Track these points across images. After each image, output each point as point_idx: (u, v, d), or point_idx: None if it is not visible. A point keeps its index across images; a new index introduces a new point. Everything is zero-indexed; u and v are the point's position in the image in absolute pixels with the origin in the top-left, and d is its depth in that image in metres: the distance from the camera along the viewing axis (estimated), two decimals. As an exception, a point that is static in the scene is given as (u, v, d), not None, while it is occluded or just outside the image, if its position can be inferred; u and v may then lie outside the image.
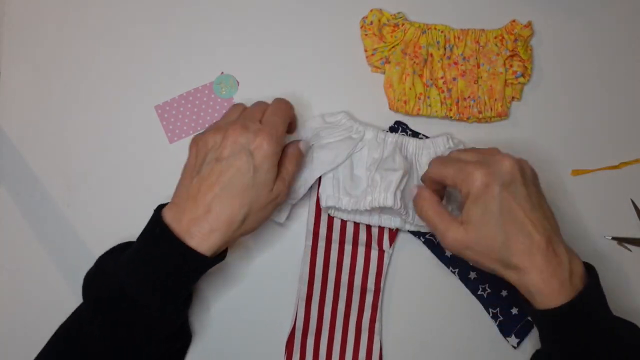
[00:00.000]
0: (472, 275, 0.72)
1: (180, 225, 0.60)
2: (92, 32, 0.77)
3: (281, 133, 0.63)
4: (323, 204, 0.70)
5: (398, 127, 0.74)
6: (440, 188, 0.65)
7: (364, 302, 0.72)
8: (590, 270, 0.60)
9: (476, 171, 0.57)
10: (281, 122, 0.64)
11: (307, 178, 0.70)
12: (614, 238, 0.74)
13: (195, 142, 0.64)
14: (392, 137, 0.71)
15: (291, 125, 0.70)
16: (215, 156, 0.61)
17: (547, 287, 0.56)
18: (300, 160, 0.67)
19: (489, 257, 0.58)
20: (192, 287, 0.65)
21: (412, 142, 0.72)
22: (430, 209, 0.61)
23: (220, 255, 0.63)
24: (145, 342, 0.62)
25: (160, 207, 0.63)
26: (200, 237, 0.60)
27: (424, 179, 0.66)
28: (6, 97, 0.76)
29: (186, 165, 0.65)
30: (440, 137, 0.72)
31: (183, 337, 0.70)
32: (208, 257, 0.60)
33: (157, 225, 0.61)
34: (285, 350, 0.71)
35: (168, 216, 0.61)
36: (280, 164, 0.64)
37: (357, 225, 0.73)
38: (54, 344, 0.64)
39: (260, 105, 0.66)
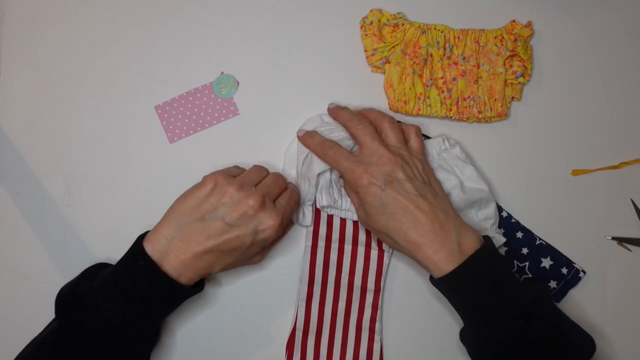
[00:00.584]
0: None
1: (167, 260, 0.62)
2: (92, 32, 0.77)
3: (287, 219, 0.67)
4: (319, 203, 0.70)
5: None
6: None
7: (364, 301, 0.72)
8: (485, 240, 0.65)
9: (361, 171, 0.65)
10: (291, 210, 0.68)
11: (309, 177, 0.70)
12: (614, 238, 0.74)
13: (215, 180, 0.64)
14: None
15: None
16: (226, 214, 0.63)
17: (436, 257, 0.63)
18: (284, 233, 0.73)
19: (383, 237, 0.67)
20: (168, 313, 0.66)
21: None
22: (340, 154, 0.68)
23: (199, 286, 0.65)
24: None
25: (141, 238, 0.64)
26: (184, 274, 0.62)
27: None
28: (6, 97, 0.76)
29: (192, 194, 0.65)
30: (436, 138, 0.72)
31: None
32: (193, 289, 0.64)
33: (140, 258, 0.62)
34: (286, 350, 0.71)
35: (153, 249, 0.62)
36: None
37: (356, 224, 0.73)
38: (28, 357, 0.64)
39: (280, 181, 0.68)
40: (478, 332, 0.63)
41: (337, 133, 0.71)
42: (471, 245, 0.63)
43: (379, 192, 0.64)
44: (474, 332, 0.64)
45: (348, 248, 0.72)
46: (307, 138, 0.70)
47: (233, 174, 0.66)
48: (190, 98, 0.76)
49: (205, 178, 0.65)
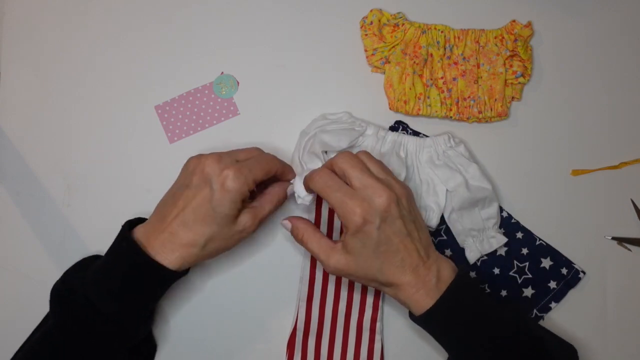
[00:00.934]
0: (472, 275, 0.72)
1: (148, 242, 0.63)
2: (92, 32, 0.77)
3: (253, 176, 0.63)
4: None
5: (398, 127, 0.74)
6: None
7: (365, 302, 0.72)
8: (459, 269, 0.65)
9: (356, 209, 0.60)
10: (258, 168, 0.64)
11: (312, 161, 0.70)
12: (614, 238, 0.74)
13: (186, 162, 0.66)
14: (392, 136, 0.72)
15: (286, 175, 0.69)
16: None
17: (417, 296, 0.62)
18: (281, 202, 0.68)
19: (367, 278, 0.63)
20: (157, 300, 0.67)
21: (412, 140, 0.72)
22: (310, 238, 0.64)
23: (184, 270, 0.65)
24: (113, 354, 0.64)
25: (127, 223, 0.65)
26: (164, 255, 0.62)
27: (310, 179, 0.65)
28: (6, 97, 0.76)
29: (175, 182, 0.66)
30: (441, 136, 0.72)
31: (148, 348, 0.71)
32: (172, 270, 0.62)
33: (124, 240, 0.63)
34: (287, 350, 0.71)
35: (139, 232, 0.64)
36: (259, 199, 0.66)
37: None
38: (22, 356, 0.65)
39: (252, 150, 0.67)
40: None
41: (341, 125, 0.71)
42: (447, 277, 0.62)
43: (375, 231, 0.60)
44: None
45: (348, 248, 0.72)
46: (326, 191, 0.64)
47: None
48: (190, 98, 0.76)
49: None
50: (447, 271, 0.63)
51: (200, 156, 0.64)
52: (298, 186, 0.67)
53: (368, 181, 0.61)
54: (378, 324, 0.72)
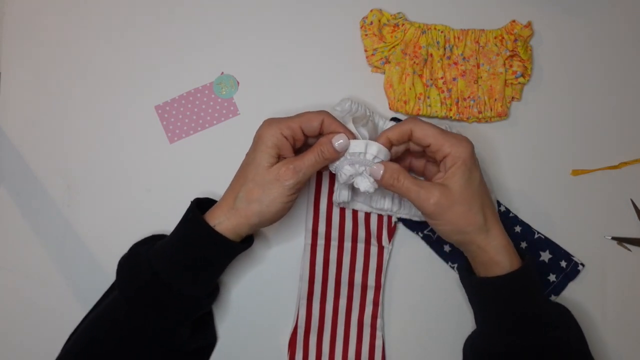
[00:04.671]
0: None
1: (210, 212, 0.65)
2: (92, 32, 0.77)
3: (286, 125, 0.63)
4: (338, 199, 0.69)
5: (396, 122, 0.74)
6: (398, 151, 0.67)
7: (365, 298, 0.72)
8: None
9: (466, 139, 0.63)
10: (293, 118, 0.64)
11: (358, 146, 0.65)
12: (614, 238, 0.74)
13: None
14: (390, 125, 0.72)
15: (334, 128, 0.65)
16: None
17: (510, 249, 0.63)
18: (325, 155, 0.64)
19: (468, 217, 0.62)
20: (218, 275, 0.68)
21: None
22: (407, 179, 0.63)
23: (245, 242, 0.66)
24: (175, 327, 0.64)
25: (195, 199, 0.67)
26: (219, 221, 0.64)
27: (392, 133, 0.64)
28: (6, 97, 0.76)
29: None
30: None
31: (209, 336, 0.71)
32: (227, 239, 0.64)
33: (189, 211, 0.65)
34: (288, 348, 0.71)
35: (214, 208, 0.65)
36: (302, 152, 0.65)
37: (355, 221, 0.73)
38: (88, 328, 0.65)
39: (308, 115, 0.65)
40: (507, 340, 0.62)
41: (360, 116, 0.69)
42: (515, 250, 0.64)
43: (478, 164, 0.63)
44: (501, 339, 0.63)
45: (348, 245, 0.72)
46: (424, 126, 0.64)
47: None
48: (190, 98, 0.76)
49: None
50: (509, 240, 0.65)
51: None
52: (356, 145, 0.63)
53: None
54: (379, 321, 0.72)
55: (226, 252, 0.65)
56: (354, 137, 0.65)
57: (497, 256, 0.63)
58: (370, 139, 0.66)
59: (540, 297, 0.64)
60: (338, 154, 0.64)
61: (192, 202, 0.66)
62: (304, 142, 0.66)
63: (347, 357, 0.71)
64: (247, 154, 0.66)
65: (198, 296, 0.65)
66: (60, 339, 0.67)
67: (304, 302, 0.72)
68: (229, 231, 0.64)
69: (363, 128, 0.67)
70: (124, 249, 0.69)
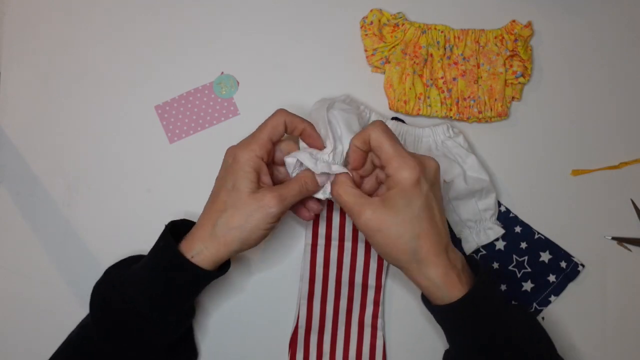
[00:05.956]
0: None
1: (186, 241, 0.63)
2: (92, 32, 0.77)
3: (257, 143, 0.62)
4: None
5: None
6: (362, 157, 0.64)
7: (366, 298, 0.72)
8: (477, 267, 0.63)
9: (412, 164, 0.59)
10: (260, 133, 0.63)
11: (328, 136, 0.66)
12: (614, 238, 0.74)
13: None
14: (391, 125, 0.72)
15: (301, 131, 0.65)
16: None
17: (447, 281, 0.59)
18: (307, 190, 0.64)
19: (397, 245, 0.59)
20: (193, 300, 0.67)
21: (410, 130, 0.72)
22: (346, 190, 0.62)
23: (222, 269, 0.64)
24: (149, 353, 0.64)
25: (171, 223, 0.65)
26: (198, 251, 0.62)
27: (356, 140, 0.62)
28: (6, 97, 0.76)
29: None
30: (440, 126, 0.72)
31: (187, 352, 0.70)
32: (205, 270, 0.62)
33: (162, 238, 0.63)
34: (289, 348, 0.71)
35: (189, 236, 0.63)
36: (285, 180, 0.65)
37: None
38: (61, 354, 0.65)
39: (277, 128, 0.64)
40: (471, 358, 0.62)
41: (348, 107, 0.68)
42: (469, 273, 0.61)
43: (423, 193, 0.59)
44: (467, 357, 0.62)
45: (348, 245, 0.72)
46: (385, 140, 0.61)
47: None
48: (190, 98, 0.76)
49: None
50: (467, 266, 0.61)
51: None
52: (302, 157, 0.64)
53: (414, 153, 0.60)
54: (379, 320, 0.72)
55: (203, 282, 0.64)
56: (316, 133, 0.64)
57: (430, 287, 0.60)
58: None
59: (500, 315, 0.61)
60: (320, 188, 0.64)
61: (166, 226, 0.64)
62: (274, 151, 0.65)
63: (348, 357, 0.71)
64: (221, 179, 0.63)
65: (175, 321, 0.64)
66: (59, 339, 0.67)
67: (305, 302, 0.72)
68: (207, 260, 0.61)
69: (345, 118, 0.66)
70: (124, 249, 0.70)
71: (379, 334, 0.72)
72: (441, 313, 0.62)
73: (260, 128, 0.64)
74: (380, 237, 0.60)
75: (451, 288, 0.59)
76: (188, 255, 0.61)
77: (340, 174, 0.63)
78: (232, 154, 0.63)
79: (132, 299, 0.62)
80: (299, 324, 0.71)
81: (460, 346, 0.63)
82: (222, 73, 0.76)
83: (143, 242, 0.72)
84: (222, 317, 0.73)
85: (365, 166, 0.64)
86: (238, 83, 0.76)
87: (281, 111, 0.64)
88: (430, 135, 0.72)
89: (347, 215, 0.72)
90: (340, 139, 0.64)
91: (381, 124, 0.61)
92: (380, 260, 0.72)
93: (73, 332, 0.66)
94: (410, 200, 0.59)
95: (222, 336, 0.72)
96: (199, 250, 0.61)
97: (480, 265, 0.62)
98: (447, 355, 0.66)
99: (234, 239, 0.61)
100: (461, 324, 0.61)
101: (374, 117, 0.72)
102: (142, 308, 0.62)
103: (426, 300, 0.63)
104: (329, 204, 0.72)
